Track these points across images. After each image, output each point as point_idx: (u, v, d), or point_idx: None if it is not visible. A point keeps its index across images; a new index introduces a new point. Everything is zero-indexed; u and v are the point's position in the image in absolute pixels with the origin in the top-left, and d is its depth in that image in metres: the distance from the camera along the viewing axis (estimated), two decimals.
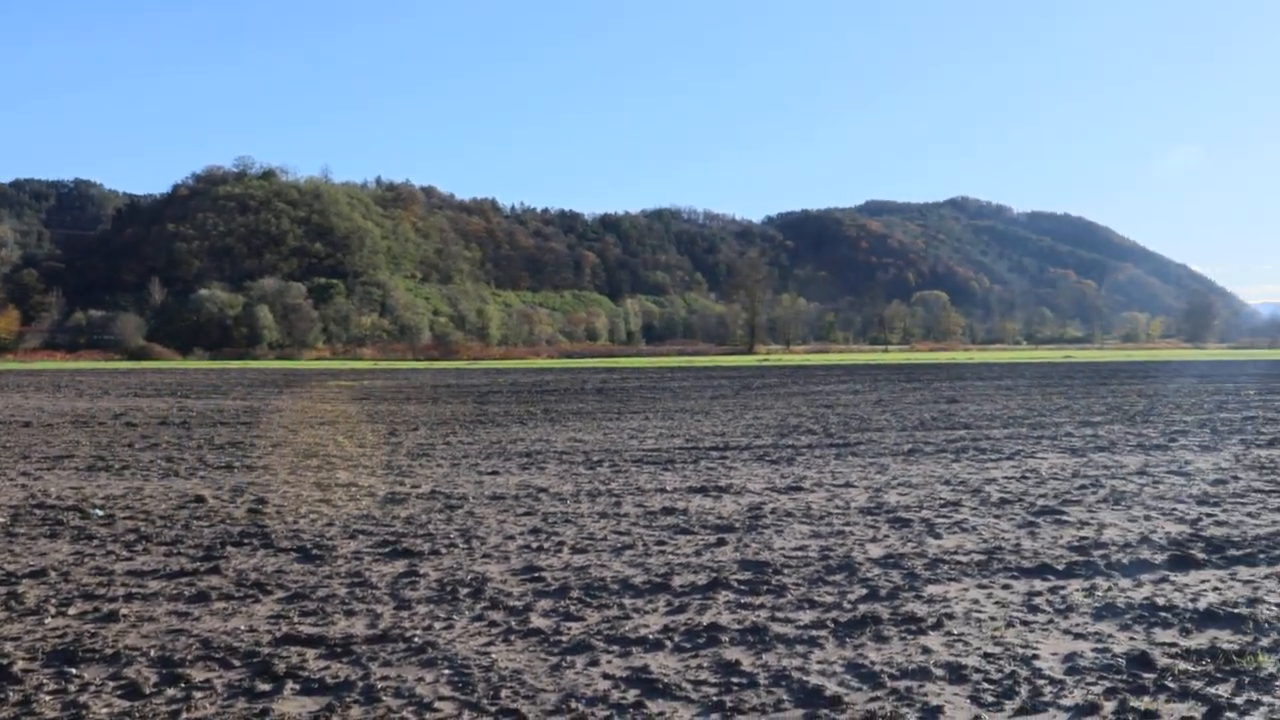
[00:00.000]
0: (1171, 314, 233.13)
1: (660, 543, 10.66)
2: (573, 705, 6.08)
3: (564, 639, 7.36)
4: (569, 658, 6.96)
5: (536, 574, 9.32)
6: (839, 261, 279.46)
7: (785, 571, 9.30)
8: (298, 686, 6.41)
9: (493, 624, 7.76)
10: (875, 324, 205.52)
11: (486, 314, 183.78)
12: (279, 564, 9.80)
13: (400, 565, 9.68)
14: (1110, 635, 7.35)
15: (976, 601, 8.26)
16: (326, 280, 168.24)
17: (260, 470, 16.70)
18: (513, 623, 7.78)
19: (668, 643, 7.27)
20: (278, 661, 6.81)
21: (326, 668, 6.72)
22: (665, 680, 6.49)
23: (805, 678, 6.51)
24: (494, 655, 7.00)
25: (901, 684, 6.40)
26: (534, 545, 10.58)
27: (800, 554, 10.02)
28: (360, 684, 6.42)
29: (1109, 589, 8.60)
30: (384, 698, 6.20)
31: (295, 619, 7.89)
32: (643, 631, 7.54)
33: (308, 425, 25.85)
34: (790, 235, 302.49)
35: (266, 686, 6.40)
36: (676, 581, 8.99)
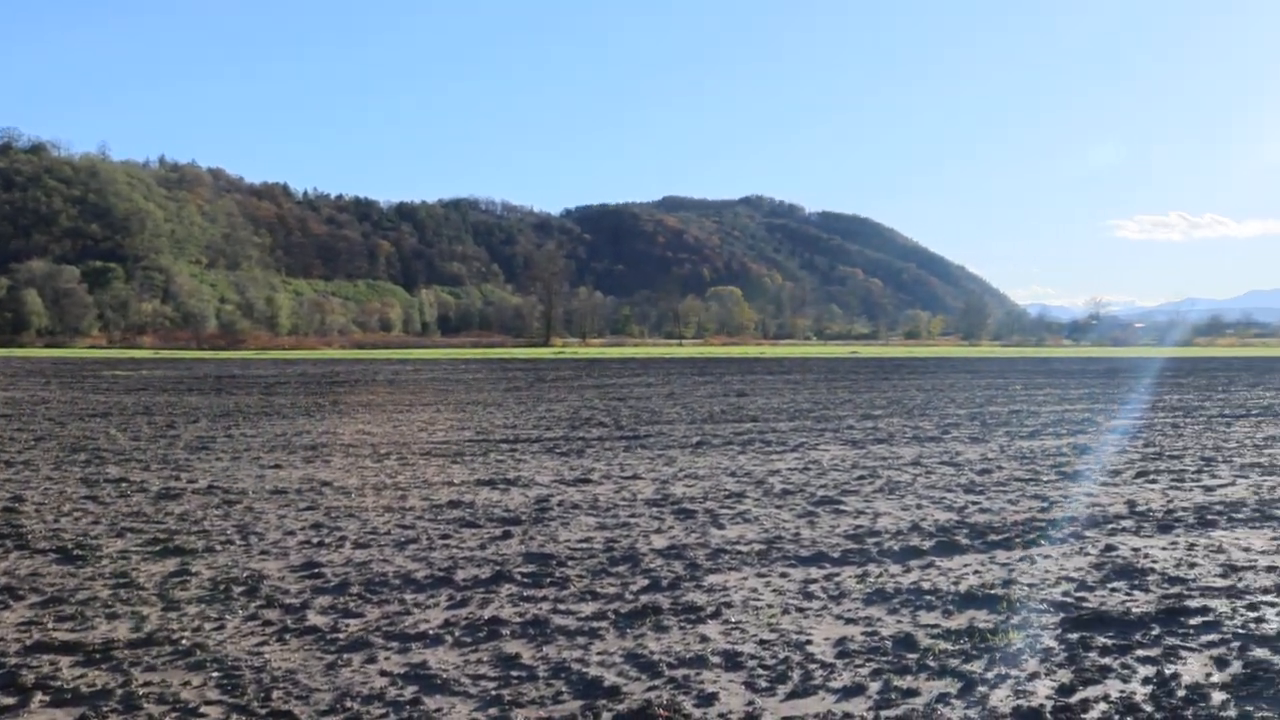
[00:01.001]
0: (951, 312, 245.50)
1: (445, 536, 10.52)
2: (348, 704, 5.91)
3: (341, 636, 7.16)
4: (346, 655, 6.77)
5: (316, 570, 9.05)
6: (636, 256, 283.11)
7: (569, 564, 9.31)
8: (48, 698, 6.00)
9: (267, 623, 7.48)
10: (670, 318, 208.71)
11: (276, 302, 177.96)
12: (34, 566, 9.18)
13: (171, 564, 9.23)
14: (879, 619, 7.64)
15: (755, 590, 8.45)
16: (103, 264, 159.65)
17: (19, 466, 15.66)
18: (288, 621, 7.52)
19: (448, 637, 7.17)
20: (26, 672, 6.36)
21: (82, 676, 6.32)
22: (444, 676, 6.39)
23: (585, 669, 6.52)
24: (267, 655, 6.74)
25: (679, 672, 6.48)
26: (315, 541, 10.27)
27: (585, 546, 10.05)
28: (120, 691, 6.06)
29: (880, 575, 8.94)
30: (145, 705, 5.87)
31: (49, 625, 7.39)
32: (423, 627, 7.40)
33: (77, 418, 24.40)
34: (588, 229, 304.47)
35: (10, 700, 5.97)
36: (459, 575, 8.87)
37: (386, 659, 6.73)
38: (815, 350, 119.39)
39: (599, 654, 6.84)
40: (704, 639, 7.15)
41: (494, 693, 6.14)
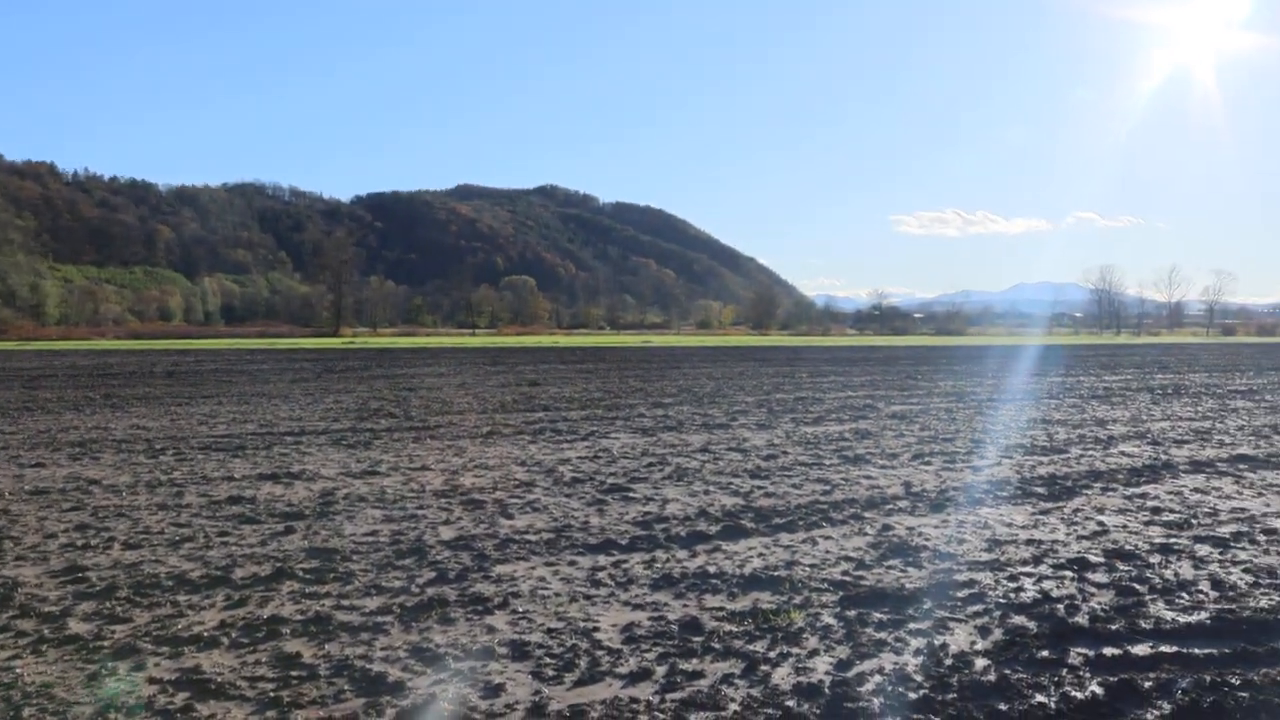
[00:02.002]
0: (741, 303, 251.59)
1: (223, 534, 10.06)
2: (111, 716, 5.56)
3: (106, 644, 6.73)
4: (111, 664, 6.37)
5: (80, 575, 8.50)
6: (428, 244, 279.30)
7: (354, 558, 9.05)
8: None
9: (21, 634, 6.96)
10: (463, 308, 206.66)
11: (42, 290, 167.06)
12: None
13: None
14: (666, 604, 7.71)
15: (543, 579, 8.40)
16: None
17: None
18: (46, 630, 7.03)
19: (224, 639, 6.84)
20: None
21: None
22: (219, 680, 6.10)
23: (368, 665, 6.34)
24: (19, 669, 6.27)
25: (465, 665, 6.38)
26: (79, 543, 9.65)
27: (371, 539, 9.79)
28: None
29: (667, 560, 9.03)
30: None
31: None
32: (197, 629, 7.05)
33: None
34: (379, 216, 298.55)
35: None
36: (238, 574, 8.50)
37: (156, 665, 6.37)
38: (608, 340, 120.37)
39: (383, 649, 6.66)
40: (491, 630, 7.06)
41: (272, 694, 5.90)
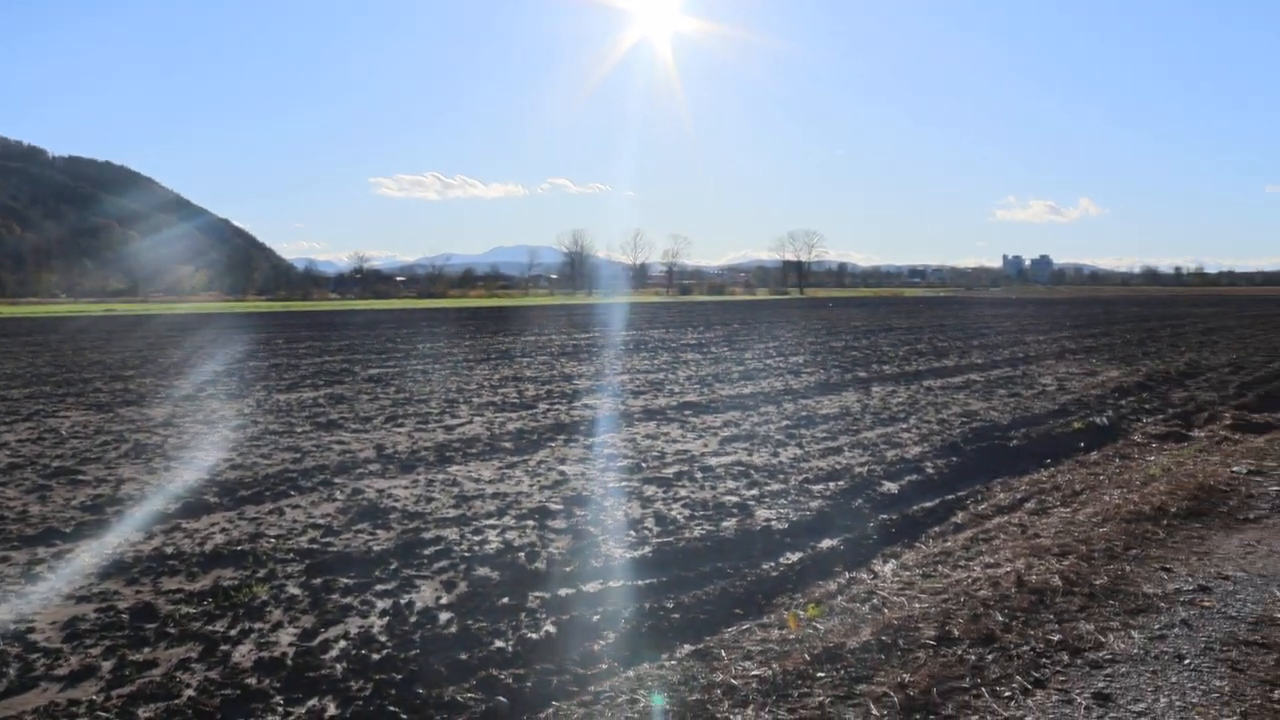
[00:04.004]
0: (216, 267, 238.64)
1: None
2: None
3: None
4: None
5: None
6: None
7: None
8: None
9: None
10: None
11: None
12: None
13: None
14: (116, 592, 7.20)
15: None
16: None
17: None
18: None
19: None
20: None
21: None
22: None
23: None
24: None
25: None
26: None
27: None
28: None
29: (119, 545, 8.40)
30: None
31: None
32: None
33: None
34: None
35: None
36: None
37: None
38: (66, 309, 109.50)
39: None
40: None
41: None
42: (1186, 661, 5.30)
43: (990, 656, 5.36)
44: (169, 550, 8.24)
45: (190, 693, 5.53)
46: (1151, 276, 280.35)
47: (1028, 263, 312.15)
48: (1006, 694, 4.92)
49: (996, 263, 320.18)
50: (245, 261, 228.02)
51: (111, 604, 6.94)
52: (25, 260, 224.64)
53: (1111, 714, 4.71)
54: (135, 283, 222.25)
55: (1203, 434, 13.60)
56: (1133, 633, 5.71)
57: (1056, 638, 5.61)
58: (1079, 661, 5.30)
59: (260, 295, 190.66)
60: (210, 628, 6.47)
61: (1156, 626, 5.82)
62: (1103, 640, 5.58)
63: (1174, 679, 5.08)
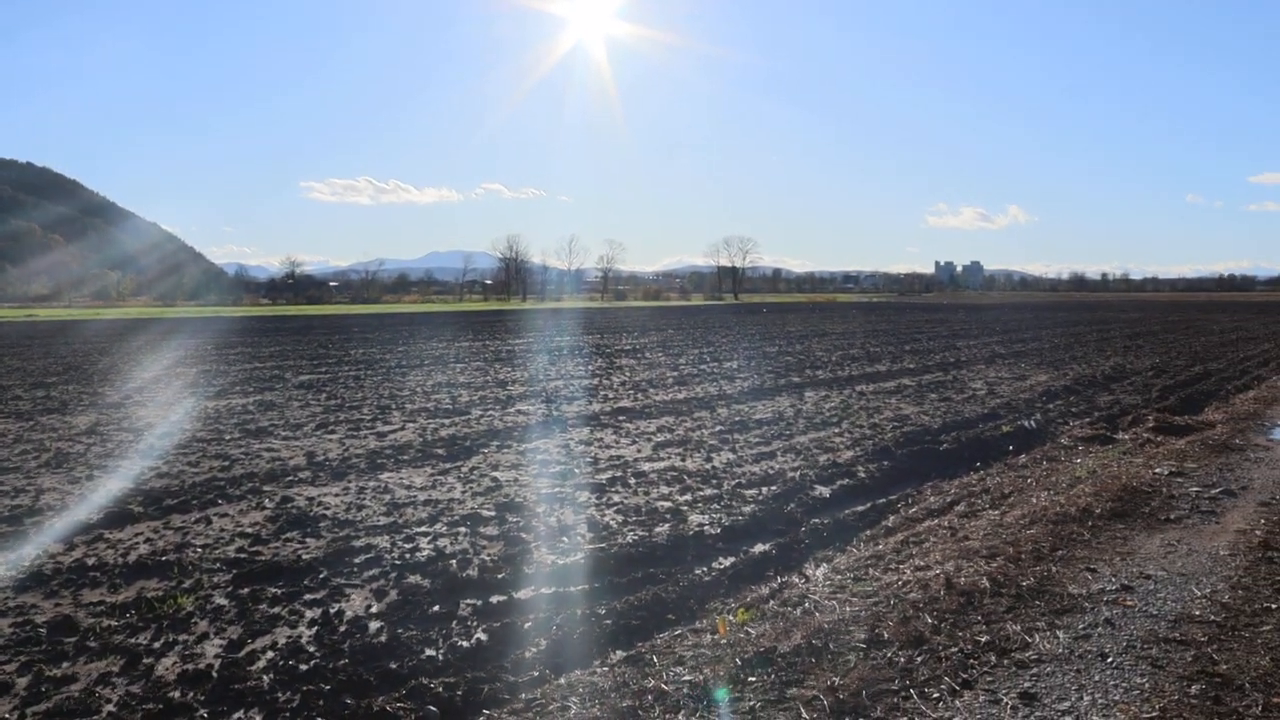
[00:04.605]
0: (145, 272, 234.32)
1: None
2: None
3: None
4: None
5: None
6: None
7: None
8: None
9: None
10: None
11: None
12: None
13: None
14: (34, 606, 7.01)
15: None
16: None
17: None
18: None
19: None
20: None
21: None
22: None
23: None
24: None
25: None
26: None
27: None
28: None
29: (37, 557, 8.20)
30: None
31: None
32: None
33: None
34: None
35: None
36: None
37: None
38: None
39: None
40: None
41: None
42: (1109, 660, 5.38)
43: (920, 658, 5.40)
44: (90, 561, 8.05)
45: (111, 708, 5.40)
46: (1079, 282, 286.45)
47: (959, 269, 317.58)
48: (935, 695, 4.96)
49: (929, 269, 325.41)
50: (174, 266, 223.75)
51: (29, 618, 6.75)
52: None
53: (1037, 713, 4.77)
54: (59, 288, 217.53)
55: (1127, 436, 13.86)
56: (1058, 633, 5.78)
57: (984, 639, 5.67)
58: (1006, 662, 5.36)
59: (190, 300, 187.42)
60: (133, 640, 6.33)
61: (1081, 626, 5.91)
62: (1029, 640, 5.65)
63: (1097, 677, 5.15)
